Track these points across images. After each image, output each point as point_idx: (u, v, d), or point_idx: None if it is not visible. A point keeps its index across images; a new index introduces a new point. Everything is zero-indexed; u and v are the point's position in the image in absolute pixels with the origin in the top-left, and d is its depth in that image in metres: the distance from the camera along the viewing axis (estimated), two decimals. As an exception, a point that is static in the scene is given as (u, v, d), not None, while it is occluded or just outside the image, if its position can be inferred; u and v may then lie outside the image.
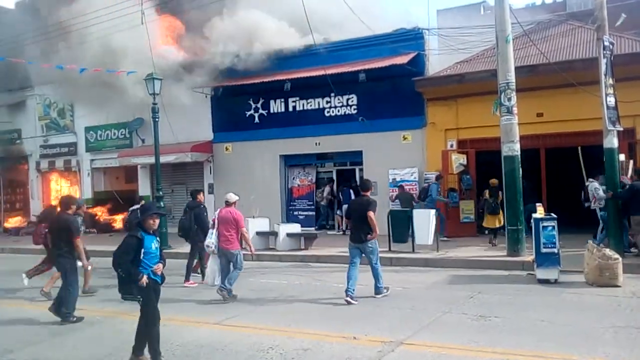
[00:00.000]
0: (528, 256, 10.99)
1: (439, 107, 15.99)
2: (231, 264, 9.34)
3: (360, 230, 8.74)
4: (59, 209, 9.01)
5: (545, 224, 9.47)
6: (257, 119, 19.18)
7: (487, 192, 13.30)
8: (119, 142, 21.84)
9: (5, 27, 20.49)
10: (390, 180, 16.29)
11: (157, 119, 16.37)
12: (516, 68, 11.89)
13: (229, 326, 7.55)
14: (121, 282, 5.78)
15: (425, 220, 12.32)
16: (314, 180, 18.86)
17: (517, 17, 12.96)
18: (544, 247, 9.37)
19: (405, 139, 16.60)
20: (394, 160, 16.37)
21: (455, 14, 18.10)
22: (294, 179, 19.26)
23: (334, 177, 18.68)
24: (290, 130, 18.32)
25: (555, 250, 9.32)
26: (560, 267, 9.40)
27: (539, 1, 22.08)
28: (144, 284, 5.69)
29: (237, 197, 9.66)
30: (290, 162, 19.21)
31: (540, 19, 17.30)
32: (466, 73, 15.42)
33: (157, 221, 5.88)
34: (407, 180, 16.03)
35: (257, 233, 14.91)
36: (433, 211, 12.65)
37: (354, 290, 8.55)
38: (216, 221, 9.34)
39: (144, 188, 21.67)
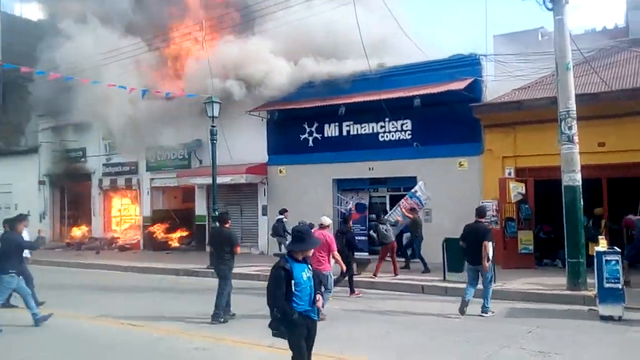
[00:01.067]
0: (590, 291, 10.60)
1: (497, 134, 15.74)
2: (322, 284, 9.55)
3: (477, 253, 9.65)
4: (217, 223, 10.48)
5: (608, 257, 9.13)
6: (311, 143, 19.36)
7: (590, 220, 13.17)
8: (177, 163, 22.45)
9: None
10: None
11: (215, 141, 16.80)
12: (577, 96, 11.60)
13: (279, 349, 7.55)
14: (273, 317, 5.16)
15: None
16: (367, 204, 18.80)
17: (577, 43, 12.67)
18: (607, 282, 9.02)
19: (461, 165, 16.39)
20: (450, 186, 16.16)
21: (511, 39, 17.84)
22: (347, 203, 19.25)
23: (387, 202, 18.57)
24: (344, 155, 18.40)
25: (619, 286, 8.96)
26: (625, 303, 9.01)
27: (599, 27, 21.58)
28: (295, 322, 5.11)
29: (330, 221, 10.22)
30: (344, 186, 19.25)
31: (602, 46, 16.86)
32: (525, 100, 15.15)
33: (307, 252, 5.36)
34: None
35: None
36: (491, 242, 12.34)
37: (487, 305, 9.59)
38: None
39: (200, 208, 22.16)
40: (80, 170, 25.17)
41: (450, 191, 16.10)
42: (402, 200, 15.71)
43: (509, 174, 15.48)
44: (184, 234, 22.76)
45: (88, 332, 9.06)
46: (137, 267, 17.26)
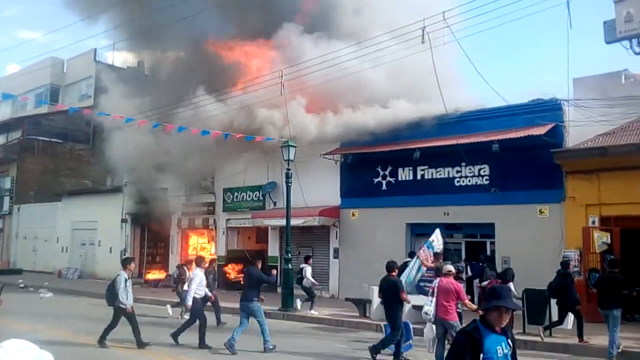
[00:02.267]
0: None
1: (580, 180, 15.14)
2: (448, 334, 9.27)
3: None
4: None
5: None
6: (384, 186, 19.33)
7: None
8: (252, 204, 22.95)
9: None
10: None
11: (290, 184, 17.10)
12: (669, 143, 11.06)
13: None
14: None
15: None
16: (442, 250, 18.39)
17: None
18: None
19: (541, 212, 15.81)
20: (529, 234, 15.61)
21: (593, 82, 17.28)
22: (420, 248, 18.92)
23: (463, 248, 18.14)
24: (418, 199, 18.23)
25: None
26: None
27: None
28: None
29: (453, 268, 9.95)
30: (417, 230, 18.98)
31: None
32: (609, 146, 14.56)
33: (506, 316, 3.79)
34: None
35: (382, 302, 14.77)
36: (573, 293, 11.79)
37: None
38: (435, 290, 9.36)
39: (272, 249, 22.44)
40: (160, 210, 26.15)
41: (529, 239, 15.57)
42: (420, 250, 14.86)
43: (593, 222, 14.79)
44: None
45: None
46: (211, 307, 17.52)
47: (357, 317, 14.90)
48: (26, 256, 33.76)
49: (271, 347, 10.81)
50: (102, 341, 11.04)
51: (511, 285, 11.57)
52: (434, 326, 9.53)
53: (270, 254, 22.45)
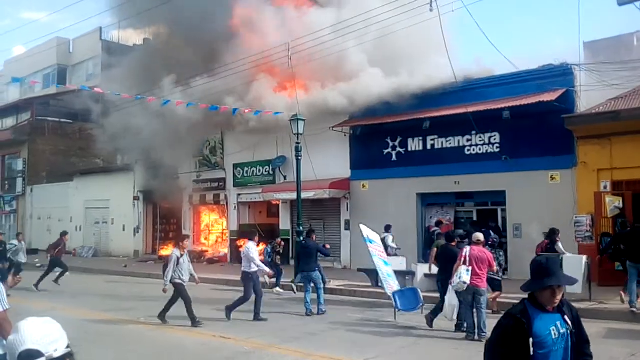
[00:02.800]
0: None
1: (591, 146, 15.00)
2: (475, 302, 9.35)
3: None
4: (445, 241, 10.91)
5: None
6: (394, 157, 19.27)
7: None
8: (263, 179, 23.01)
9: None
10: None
11: (299, 158, 17.09)
12: (682, 104, 10.90)
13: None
14: None
15: (576, 267, 11.48)
16: (452, 219, 18.45)
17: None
18: None
19: (553, 179, 15.74)
20: (541, 201, 15.56)
21: (604, 46, 16.97)
22: (431, 218, 18.98)
23: (474, 217, 18.14)
24: (428, 169, 18.16)
25: None
26: None
27: None
28: None
29: (482, 237, 10.00)
30: (428, 200, 19.00)
31: None
32: (622, 110, 14.38)
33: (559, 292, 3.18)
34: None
35: (395, 272, 14.86)
36: (585, 257, 11.80)
37: None
38: (467, 258, 9.35)
39: (284, 223, 22.55)
40: (172, 187, 26.29)
41: (541, 206, 15.51)
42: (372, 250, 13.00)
43: (605, 187, 14.70)
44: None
45: (181, 344, 9.41)
46: (224, 280, 17.75)
47: (369, 287, 15.01)
48: (41, 236, 34.15)
49: (324, 310, 11.79)
50: (162, 316, 11.04)
51: (560, 244, 11.61)
52: (454, 293, 9.52)
53: (282, 227, 22.57)
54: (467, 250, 9.44)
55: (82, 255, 29.71)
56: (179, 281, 10.87)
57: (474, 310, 9.29)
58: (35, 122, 35.94)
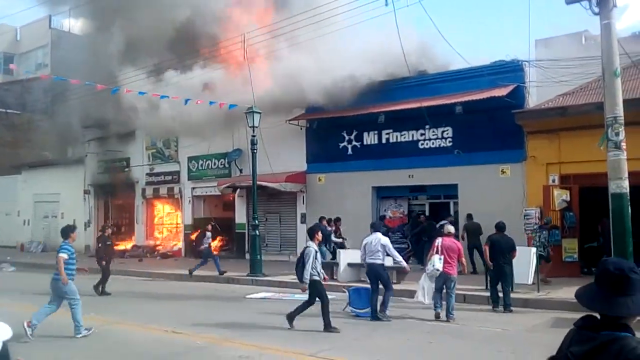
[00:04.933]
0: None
1: (540, 140, 15.45)
2: (445, 287, 10.32)
3: None
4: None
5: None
6: (350, 151, 19.38)
7: None
8: (218, 172, 22.76)
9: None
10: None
11: (255, 151, 16.98)
12: (624, 101, 11.24)
13: (322, 358, 7.57)
14: None
15: (525, 258, 11.82)
16: (406, 212, 18.69)
17: (625, 46, 12.34)
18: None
19: (503, 172, 16.14)
20: (492, 194, 15.92)
21: (554, 43, 17.48)
22: (385, 210, 19.19)
23: (427, 210, 18.43)
24: (383, 162, 18.35)
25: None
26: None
27: (648, 29, 20.91)
28: None
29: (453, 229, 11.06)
30: (383, 193, 19.20)
31: (651, 48, 16.33)
32: (569, 106, 14.83)
33: None
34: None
35: (349, 264, 14.98)
36: (534, 249, 12.14)
37: None
38: (439, 248, 10.28)
39: (240, 216, 22.39)
40: (124, 180, 25.77)
41: (491, 199, 15.87)
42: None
43: (553, 181, 15.17)
44: (225, 242, 23.02)
45: (133, 340, 9.23)
46: (179, 275, 17.52)
47: (324, 280, 15.01)
48: (-12, 231, 33.00)
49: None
50: (290, 320, 9.61)
51: None
52: (427, 277, 10.45)
53: (237, 221, 22.41)
54: (439, 240, 10.38)
55: (31, 250, 28.77)
56: (317, 278, 9.70)
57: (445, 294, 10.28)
58: (-22, 113, 34.52)
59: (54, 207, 29.88)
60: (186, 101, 18.09)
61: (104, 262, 14.81)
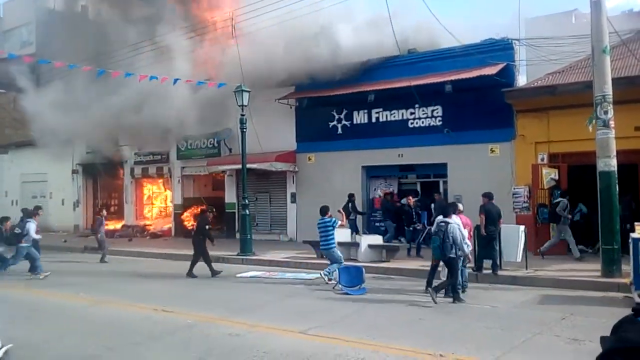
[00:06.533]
0: (625, 278, 10.40)
1: (530, 119, 15.47)
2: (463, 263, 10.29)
3: None
4: None
5: (645, 244, 8.95)
6: (340, 130, 19.33)
7: None
8: (207, 151, 22.64)
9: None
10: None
11: (244, 130, 16.88)
12: (613, 79, 11.31)
13: (312, 336, 7.62)
14: None
15: (513, 236, 11.92)
16: (396, 191, 18.74)
17: (614, 25, 12.34)
18: (644, 269, 8.85)
19: (492, 151, 16.18)
20: (481, 173, 15.97)
21: (544, 22, 17.43)
22: (375, 189, 19.23)
23: (418, 189, 18.46)
24: (373, 142, 18.33)
25: (657, 273, 8.78)
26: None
27: (637, 7, 20.92)
28: None
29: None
30: (372, 173, 19.20)
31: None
32: (558, 85, 14.84)
33: None
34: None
35: (339, 243, 15.00)
36: (523, 227, 12.21)
37: None
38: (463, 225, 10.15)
39: (230, 196, 22.35)
40: (112, 159, 25.57)
41: (481, 177, 15.90)
42: None
43: (542, 159, 15.24)
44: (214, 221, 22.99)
45: (122, 319, 9.24)
46: (168, 254, 17.52)
47: (314, 259, 15.12)
48: (-25, 211, 32.72)
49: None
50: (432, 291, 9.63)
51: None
52: None
53: (227, 200, 22.37)
54: (458, 219, 10.12)
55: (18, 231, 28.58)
56: (454, 255, 9.64)
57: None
58: (-37, 91, 34.01)
59: (42, 187, 29.67)
60: (175, 81, 17.88)
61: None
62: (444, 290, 9.80)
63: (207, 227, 14.08)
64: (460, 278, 9.98)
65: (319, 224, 12.13)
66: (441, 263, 10.06)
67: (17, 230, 14.09)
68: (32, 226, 14.06)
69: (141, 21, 22.20)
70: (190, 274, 13.41)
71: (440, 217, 10.07)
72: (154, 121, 20.12)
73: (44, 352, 7.28)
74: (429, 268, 10.44)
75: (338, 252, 12.14)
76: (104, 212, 18.64)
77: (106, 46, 21.71)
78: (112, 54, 20.94)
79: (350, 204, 17.23)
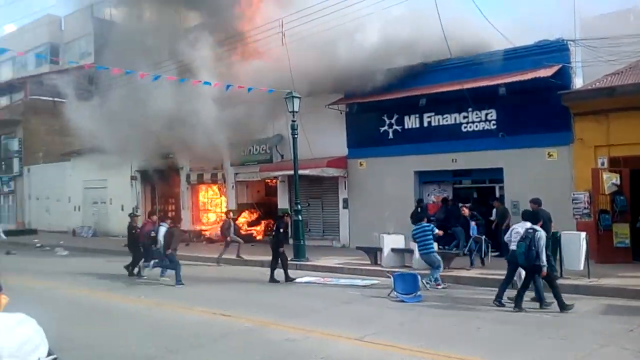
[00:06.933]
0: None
1: (588, 122, 15.01)
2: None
3: None
4: None
5: None
6: (391, 135, 19.25)
7: None
8: (260, 157, 22.94)
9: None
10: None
11: (295, 136, 17.06)
12: (679, 80, 10.89)
13: (369, 343, 7.64)
14: None
15: (575, 244, 11.57)
16: (450, 197, 18.52)
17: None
18: None
19: (550, 155, 15.78)
20: (538, 178, 15.59)
21: (600, 21, 16.91)
22: (428, 195, 19.06)
23: (474, 195, 18.22)
24: (425, 146, 18.15)
25: None
26: None
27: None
28: None
29: None
30: (425, 178, 19.03)
31: None
32: (617, 86, 14.34)
33: None
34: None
35: (393, 250, 14.99)
36: (584, 234, 11.84)
37: None
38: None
39: (282, 201, 22.59)
40: (168, 166, 26.24)
41: (538, 182, 15.52)
42: None
43: (602, 164, 14.75)
44: (268, 226, 23.30)
45: (182, 321, 9.49)
46: (224, 259, 17.84)
47: (368, 265, 15.13)
48: (40, 216, 34.21)
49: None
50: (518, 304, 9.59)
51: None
52: None
53: (279, 206, 22.61)
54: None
55: (82, 235, 29.81)
56: (538, 263, 9.49)
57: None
58: (29, 102, 35.67)
59: (103, 193, 30.79)
60: (227, 87, 18.23)
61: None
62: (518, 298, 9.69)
63: (282, 231, 14.29)
64: (531, 287, 9.78)
65: (416, 230, 12.42)
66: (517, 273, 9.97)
67: (153, 234, 14.82)
68: (162, 230, 14.66)
69: (191, 30, 22.74)
70: (272, 279, 13.54)
71: (527, 224, 9.83)
72: (206, 133, 20.58)
73: (106, 353, 7.57)
74: (486, 277, 10.30)
75: (438, 256, 12.30)
76: (231, 214, 18.86)
77: (159, 55, 22.29)
78: (162, 65, 21.52)
79: (419, 209, 17.13)
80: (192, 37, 21.56)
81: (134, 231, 15.96)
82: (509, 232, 10.35)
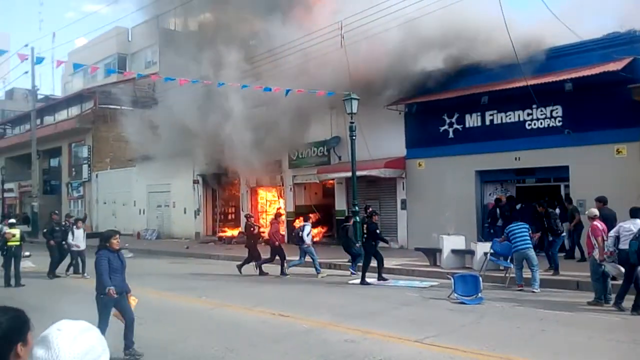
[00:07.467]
0: None
1: (660, 117, 14.23)
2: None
3: None
4: None
5: None
6: (451, 134, 18.88)
7: None
8: (317, 159, 23.03)
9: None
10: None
11: (354, 137, 17.00)
12: None
13: (429, 345, 7.48)
14: None
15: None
16: (514, 196, 17.96)
17: None
18: None
19: (619, 152, 15.05)
20: (606, 175, 14.90)
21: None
22: (490, 195, 18.56)
23: (541, 193, 17.57)
24: (487, 145, 17.69)
25: None
26: None
27: None
28: None
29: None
30: (487, 177, 18.56)
31: None
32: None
33: None
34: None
35: (453, 251, 14.68)
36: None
37: None
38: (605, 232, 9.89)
39: (340, 203, 22.57)
40: (229, 169, 26.71)
41: (606, 180, 14.84)
42: None
43: (676, 160, 13.94)
44: (325, 228, 23.33)
45: (242, 322, 9.60)
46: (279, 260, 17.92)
47: (427, 267, 14.87)
48: (107, 220, 35.57)
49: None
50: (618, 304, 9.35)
51: None
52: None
53: (337, 208, 22.61)
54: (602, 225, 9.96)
55: (146, 238, 30.78)
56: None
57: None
58: (98, 110, 37.23)
59: (166, 196, 31.72)
60: (287, 92, 18.40)
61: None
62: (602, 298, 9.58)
63: (377, 231, 14.17)
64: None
65: (513, 227, 12.00)
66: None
67: (300, 233, 15.52)
68: (307, 228, 15.41)
69: (250, 36, 23.10)
70: (363, 281, 13.40)
71: (638, 221, 9.39)
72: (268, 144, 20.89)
73: (170, 352, 7.73)
74: (552, 278, 9.91)
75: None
76: (311, 217, 18.85)
77: (220, 64, 22.75)
78: (221, 74, 21.93)
79: (497, 210, 16.72)
80: (252, 43, 21.95)
81: (252, 229, 16.66)
82: (615, 229, 9.75)
